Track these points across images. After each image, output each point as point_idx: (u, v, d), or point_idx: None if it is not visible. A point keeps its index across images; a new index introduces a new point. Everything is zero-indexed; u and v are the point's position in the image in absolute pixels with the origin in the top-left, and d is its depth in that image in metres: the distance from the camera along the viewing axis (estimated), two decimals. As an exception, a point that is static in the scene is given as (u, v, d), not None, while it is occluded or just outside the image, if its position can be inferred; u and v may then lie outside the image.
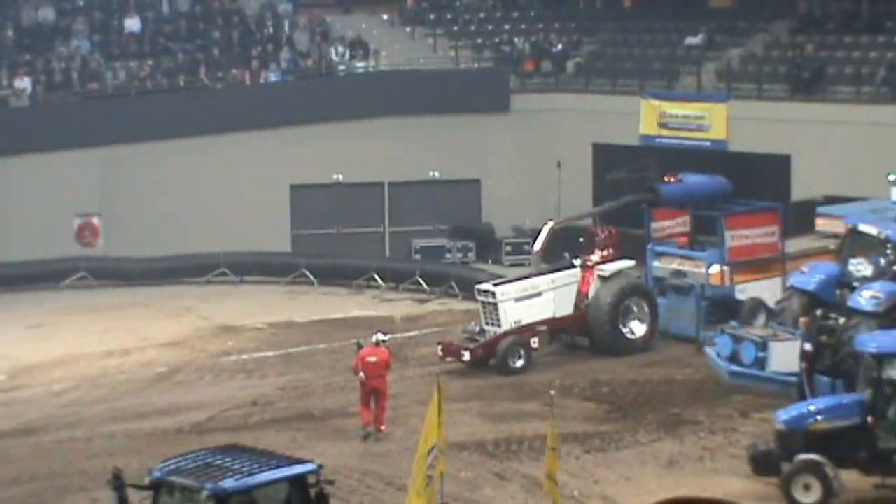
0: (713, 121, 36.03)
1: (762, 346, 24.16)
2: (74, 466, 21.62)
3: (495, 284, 28.00)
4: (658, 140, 36.78)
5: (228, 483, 14.38)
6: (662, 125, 36.89)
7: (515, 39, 41.21)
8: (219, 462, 14.90)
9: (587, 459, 21.71)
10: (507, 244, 37.37)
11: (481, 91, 39.51)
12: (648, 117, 37.17)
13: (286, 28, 41.43)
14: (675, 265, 29.32)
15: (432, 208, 39.13)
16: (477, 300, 28.16)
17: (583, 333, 28.24)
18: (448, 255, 37.94)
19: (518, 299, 27.55)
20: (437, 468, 16.48)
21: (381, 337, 22.99)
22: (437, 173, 39.13)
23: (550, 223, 29.02)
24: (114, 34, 40.47)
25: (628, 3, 42.50)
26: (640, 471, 21.35)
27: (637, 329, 28.10)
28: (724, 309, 28.46)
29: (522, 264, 34.56)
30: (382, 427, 22.40)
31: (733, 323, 26.20)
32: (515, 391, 25.78)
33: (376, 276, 35.80)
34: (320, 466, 15.06)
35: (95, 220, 37.71)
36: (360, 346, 23.12)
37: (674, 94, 37.49)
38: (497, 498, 20.16)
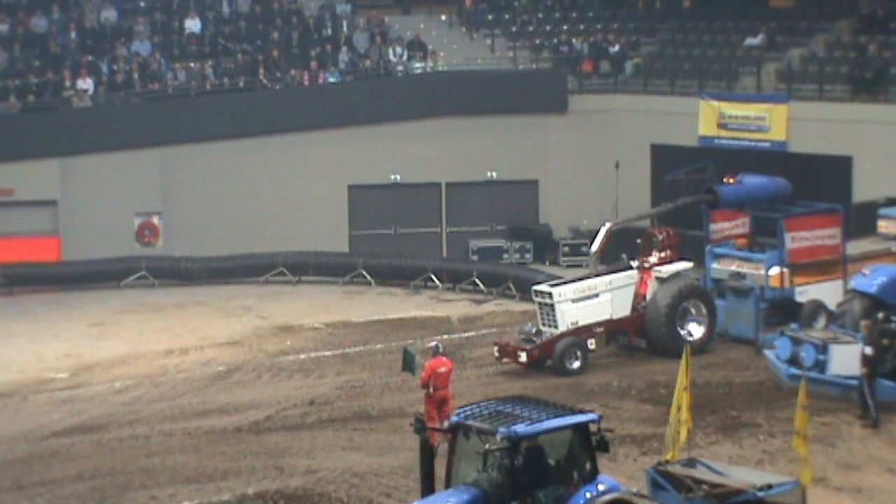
0: (773, 122, 35.78)
1: (822, 348, 23.95)
2: (135, 464, 21.80)
3: (552, 285, 27.93)
4: (717, 141, 36.57)
5: (520, 427, 15.89)
6: (721, 126, 36.68)
7: (574, 40, 41.13)
8: (509, 410, 16.44)
9: (645, 462, 21.56)
10: (565, 245, 37.30)
11: (539, 92, 39.47)
12: (707, 118, 36.96)
13: (345, 29, 41.58)
14: (733, 267, 29.14)
15: (490, 209, 39.14)
16: (534, 301, 28.12)
17: (640, 335, 28.09)
18: (505, 256, 37.93)
19: (575, 300, 27.47)
20: (684, 425, 17.75)
21: (439, 345, 22.88)
22: (494, 174, 39.13)
23: (608, 224, 28.92)
24: (174, 35, 40.81)
25: (688, 2, 42.28)
26: (699, 474, 21.17)
27: (695, 331, 27.94)
28: (783, 311, 28.25)
29: (580, 265, 34.49)
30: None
31: (793, 325, 25.99)
32: (572, 392, 25.69)
33: (433, 277, 35.85)
34: (600, 417, 16.81)
35: (155, 220, 38.05)
36: (407, 353, 22.98)
37: (733, 94, 37.26)
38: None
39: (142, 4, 41.72)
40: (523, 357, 26.83)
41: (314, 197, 38.27)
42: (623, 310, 27.91)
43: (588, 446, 16.45)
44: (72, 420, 24.69)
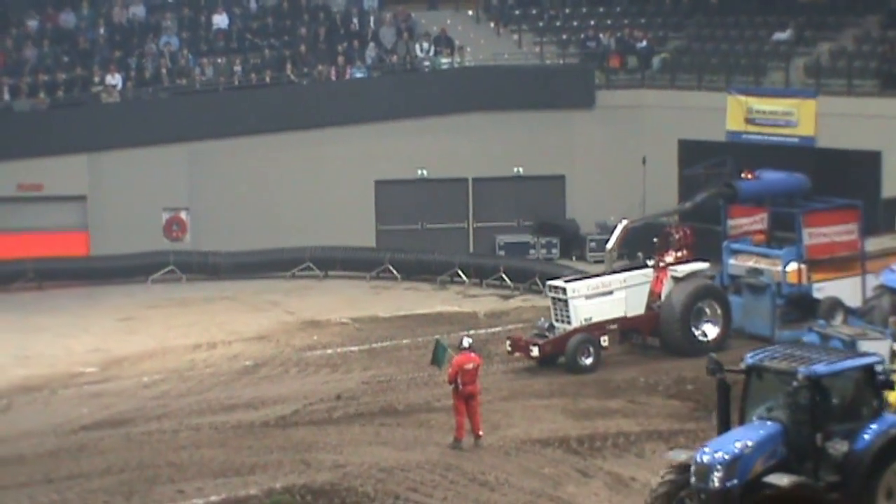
0: (801, 117, 35.61)
1: (850, 344, 23.83)
2: (162, 458, 21.89)
3: (566, 281, 27.80)
4: (745, 136, 36.43)
5: (819, 367, 17.23)
6: (749, 121, 36.53)
7: (601, 35, 41.03)
8: (799, 353, 17.84)
9: (672, 458, 21.55)
10: (592, 241, 37.23)
11: (566, 87, 39.41)
12: (735, 113, 36.82)
13: (372, 24, 41.61)
14: (751, 263, 28.92)
15: (516, 204, 39.10)
16: (548, 296, 28.02)
17: (654, 334, 27.93)
18: (532, 252, 37.90)
19: (589, 297, 27.30)
20: None
21: (470, 341, 22.88)
22: (521, 169, 39.10)
23: (625, 221, 28.77)
24: (202, 31, 40.93)
25: (715, -3, 42.17)
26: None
27: (709, 331, 27.75)
28: (800, 308, 28.04)
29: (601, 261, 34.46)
30: (481, 433, 22.32)
31: (821, 321, 25.86)
32: (599, 388, 25.68)
33: (460, 272, 35.86)
34: (882, 360, 18.24)
35: (183, 215, 38.17)
36: (439, 344, 22.93)
37: (761, 89, 37.10)
38: (580, 495, 20.09)
39: (169, 0, 41.85)
40: (535, 352, 26.71)
41: (341, 192, 38.33)
42: (638, 308, 27.73)
43: (874, 385, 17.72)
44: (100, 414, 24.81)
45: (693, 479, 17.13)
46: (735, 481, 16.89)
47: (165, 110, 38.32)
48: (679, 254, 28.12)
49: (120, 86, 38.28)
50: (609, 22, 41.92)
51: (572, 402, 24.78)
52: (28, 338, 30.93)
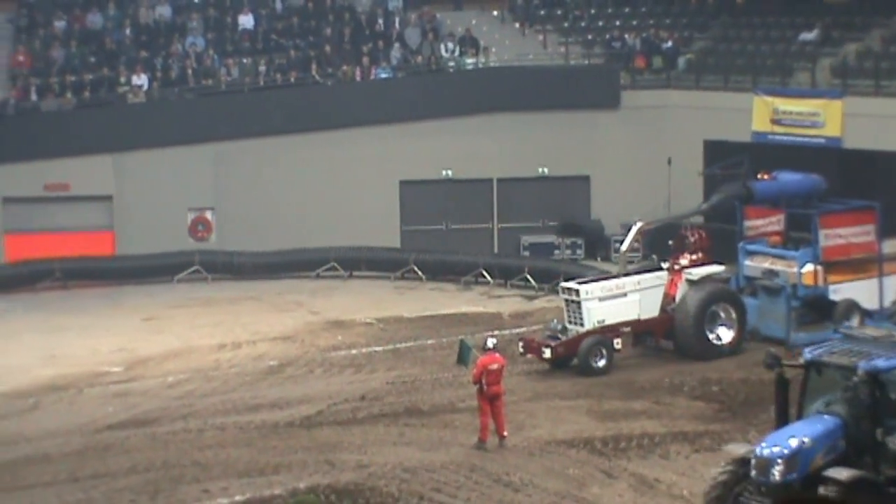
0: (828, 118, 35.44)
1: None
2: (187, 457, 21.94)
3: (579, 283, 27.65)
4: (771, 137, 36.29)
5: (880, 362, 17.21)
6: (775, 122, 36.38)
7: (626, 35, 40.98)
8: (858, 348, 17.81)
9: (697, 459, 21.51)
10: (616, 241, 37.08)
11: (591, 87, 39.35)
12: (761, 114, 36.68)
13: (397, 25, 41.65)
14: (766, 264, 28.68)
15: (541, 205, 39.06)
16: (560, 298, 27.88)
17: (668, 337, 27.71)
18: (556, 252, 37.86)
19: (602, 299, 27.10)
20: None
21: (495, 342, 22.86)
22: (546, 170, 39.07)
23: (638, 224, 28.61)
24: (227, 31, 41.05)
25: (741, -3, 42.06)
26: (751, 471, 21.04)
27: (724, 335, 27.54)
28: (816, 310, 27.83)
29: (631, 261, 34.31)
30: (506, 433, 22.30)
31: (848, 323, 25.71)
32: (624, 389, 25.63)
33: (485, 273, 35.84)
34: None
35: (208, 215, 38.28)
36: (463, 345, 22.91)
37: (787, 90, 36.94)
38: (604, 496, 20.05)
39: (195, 1, 41.99)
40: (547, 353, 26.55)
41: (366, 192, 38.36)
42: (651, 311, 27.53)
43: None
44: (125, 413, 24.89)
45: (753, 473, 17.22)
46: (795, 475, 16.99)
47: (191, 111, 38.44)
48: (694, 256, 27.90)
49: (146, 86, 38.42)
50: (634, 22, 41.85)
51: (597, 403, 24.73)
52: (54, 337, 31.07)
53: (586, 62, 40.53)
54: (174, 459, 21.82)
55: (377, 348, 29.46)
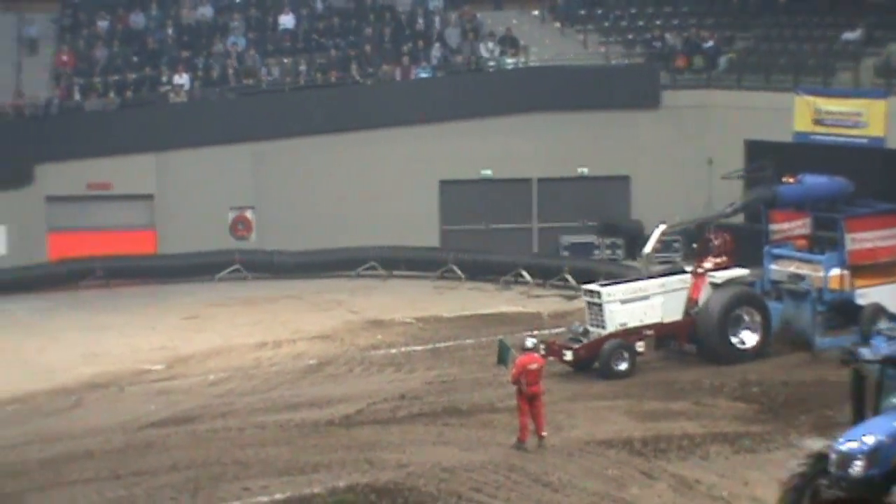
0: (871, 118, 35.17)
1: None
2: (228, 455, 22.03)
3: (602, 285, 27.43)
4: (813, 137, 36.06)
5: None
6: (817, 122, 36.14)
7: (667, 35, 40.85)
8: None
9: (737, 460, 21.43)
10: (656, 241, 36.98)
11: (631, 87, 39.26)
12: (803, 114, 36.46)
13: (437, 24, 41.69)
14: (792, 268, 28.30)
15: (581, 205, 39.00)
16: (583, 300, 27.62)
17: (691, 340, 27.43)
18: (596, 252, 37.79)
19: (624, 301, 26.83)
20: None
21: (534, 342, 22.83)
22: (586, 170, 39.00)
23: (662, 226, 28.39)
24: (269, 31, 41.21)
25: (783, -3, 41.81)
26: (792, 473, 20.95)
27: (748, 339, 27.20)
28: (843, 314, 27.54)
29: (671, 262, 34.26)
30: (545, 433, 22.28)
31: (891, 323, 25.48)
32: (664, 389, 25.55)
33: (524, 273, 35.81)
34: None
35: (249, 214, 38.45)
36: (502, 345, 22.84)
37: (830, 90, 36.69)
38: (644, 497, 19.99)
39: (237, 1, 42.18)
40: (569, 356, 26.32)
41: (405, 192, 38.43)
42: (675, 314, 27.23)
43: None
44: (167, 411, 25.03)
45: (832, 468, 17.26)
46: (877, 470, 17.05)
47: (232, 110, 38.61)
48: (718, 260, 27.59)
49: (187, 86, 38.64)
50: (675, 22, 41.71)
51: (636, 403, 24.67)
52: (96, 336, 31.30)
53: (626, 62, 40.43)
54: (215, 457, 21.92)
55: (416, 348, 29.50)
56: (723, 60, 39.70)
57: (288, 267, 37.18)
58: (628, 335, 26.65)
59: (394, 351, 29.27)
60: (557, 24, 42.67)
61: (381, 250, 37.13)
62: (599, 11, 42.72)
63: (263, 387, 26.70)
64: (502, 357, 23.21)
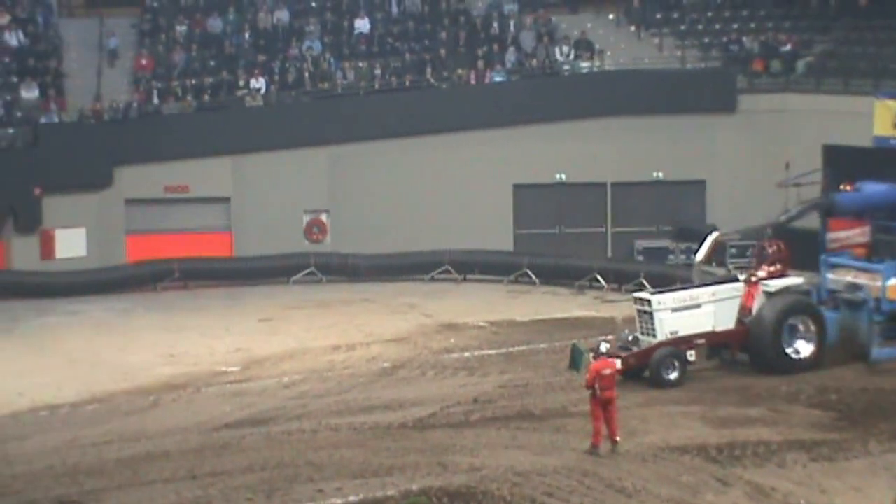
0: (951, 122, 34.62)
1: None
2: (302, 457, 22.14)
3: (653, 293, 27.01)
4: (892, 142, 35.52)
5: None
6: (898, 126, 35.63)
7: (744, 38, 40.55)
8: None
9: (814, 468, 21.18)
10: (732, 247, 36.72)
11: (708, 91, 39.03)
12: (883, 119, 35.86)
13: (512, 28, 41.69)
14: (849, 277, 27.65)
15: (655, 209, 38.82)
16: (634, 308, 27.15)
17: (744, 350, 26.86)
18: (671, 257, 37.56)
19: (675, 309, 26.32)
20: None
21: (608, 346, 22.73)
22: (661, 174, 38.82)
23: (715, 233, 27.94)
24: (344, 35, 41.43)
25: (864, 0, 41.28)
26: (871, 482, 20.66)
27: (803, 349, 26.59)
28: None
29: (747, 267, 33.90)
30: (618, 438, 22.18)
31: None
32: (739, 395, 25.32)
33: (599, 277, 35.69)
34: None
35: (323, 217, 38.67)
36: (576, 348, 22.70)
37: (911, 94, 36.20)
38: (718, 504, 19.88)
39: (313, 5, 42.47)
40: (618, 364, 25.28)
41: (479, 195, 38.46)
42: (727, 322, 26.69)
43: None
44: (242, 413, 25.21)
45: None
46: None
47: (307, 114, 38.88)
48: (772, 268, 27.14)
49: (264, 89, 38.96)
50: (753, 25, 41.41)
51: (711, 409, 24.48)
52: (174, 337, 31.65)
53: (703, 66, 40.18)
54: (289, 459, 22.04)
55: (489, 351, 29.49)
56: (801, 64, 39.35)
57: (363, 270, 37.34)
58: (679, 344, 26.19)
59: (467, 355, 29.27)
60: (633, 28, 42.50)
61: (455, 254, 37.19)
62: (676, 15, 42.49)
63: (337, 389, 26.82)
64: (575, 362, 23.12)
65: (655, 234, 38.55)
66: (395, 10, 42.46)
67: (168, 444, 23.22)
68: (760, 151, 38.02)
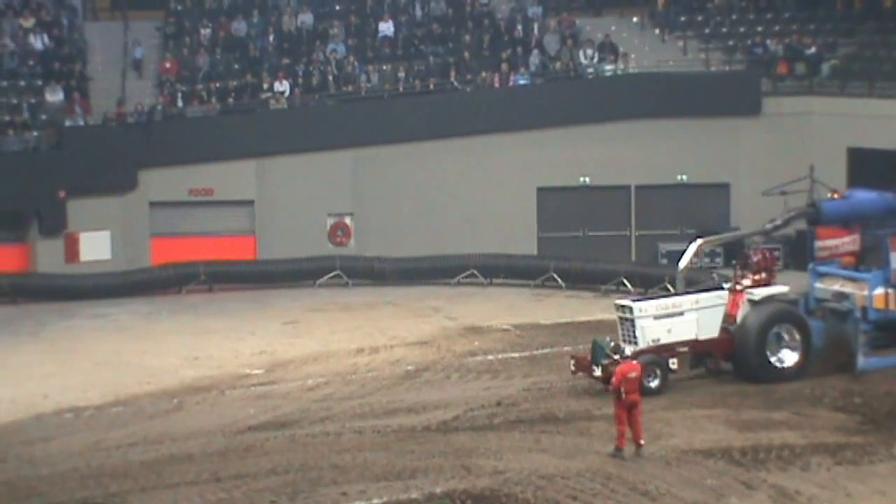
0: (978, 125, 34.51)
1: None
2: (326, 460, 22.18)
3: (634, 300, 26.73)
4: (918, 144, 35.46)
5: None
6: (923, 129, 35.52)
7: (768, 41, 40.44)
8: None
9: (838, 471, 21.11)
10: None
11: (732, 94, 38.94)
12: (907, 121, 35.86)
13: (536, 31, 41.68)
14: (836, 286, 27.28)
15: (679, 212, 38.75)
16: (615, 315, 26.88)
17: (728, 359, 26.57)
18: (695, 261, 37.41)
19: (657, 317, 25.99)
20: None
21: (632, 349, 22.67)
22: (685, 177, 38.75)
23: (699, 241, 27.70)
24: (368, 38, 41.50)
25: (889, 2, 41.11)
26: (896, 486, 20.66)
27: (787, 358, 26.21)
28: (888, 334, 26.73)
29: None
30: (642, 441, 22.15)
31: None
32: (763, 399, 25.25)
33: (625, 281, 35.60)
34: None
35: (347, 220, 38.74)
36: (596, 344, 22.59)
37: (936, 97, 36.11)
38: (743, 507, 19.83)
39: (337, 8, 42.55)
40: (597, 371, 25.49)
41: (503, 199, 38.46)
42: (710, 331, 26.33)
43: None
44: (266, 415, 25.27)
45: None
46: None
47: (331, 117, 38.96)
48: (758, 276, 26.78)
49: (288, 92, 39.05)
50: (777, 28, 41.30)
51: (735, 412, 24.42)
52: (198, 339, 31.76)
53: (727, 69, 40.10)
54: (313, 462, 22.09)
55: (513, 354, 29.49)
56: (825, 67, 39.22)
57: (388, 274, 37.38)
58: (661, 352, 25.84)
59: (491, 358, 29.28)
60: (657, 31, 42.44)
61: (481, 258, 37.18)
62: (700, 17, 42.42)
63: (361, 392, 26.86)
64: (596, 358, 23.11)
65: (679, 237, 38.46)
66: (419, 13, 42.51)
67: (192, 447, 23.29)
68: (784, 154, 37.89)
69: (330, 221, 38.68)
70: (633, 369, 22.17)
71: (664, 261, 37.44)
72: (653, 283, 35.25)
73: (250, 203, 38.38)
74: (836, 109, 37.76)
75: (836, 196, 28.04)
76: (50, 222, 37.20)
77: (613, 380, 22.17)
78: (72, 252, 37.34)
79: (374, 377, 28.05)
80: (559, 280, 36.33)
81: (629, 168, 38.56)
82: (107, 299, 36.06)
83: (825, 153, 37.18)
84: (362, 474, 21.44)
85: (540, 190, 38.83)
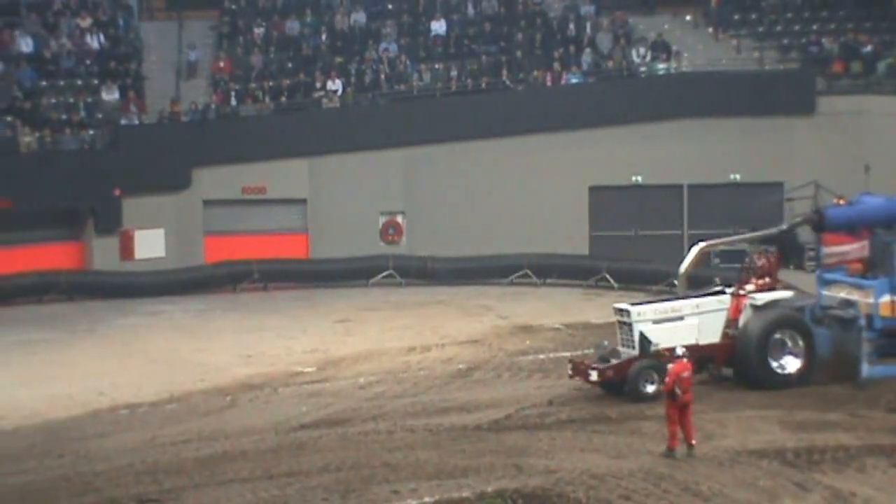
0: None
1: None
2: (378, 458, 22.23)
3: (633, 304, 26.36)
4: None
5: None
6: (980, 128, 35.15)
7: (823, 40, 40.14)
8: None
9: (895, 474, 20.95)
10: (811, 249, 36.31)
11: (786, 93, 38.69)
12: (964, 120, 35.50)
13: (588, 30, 41.60)
14: (843, 294, 26.75)
15: (732, 211, 38.51)
16: (615, 319, 26.56)
17: (729, 364, 26.15)
18: (748, 261, 37.19)
19: (656, 321, 25.68)
20: None
21: (684, 349, 22.59)
22: (738, 176, 38.55)
23: (700, 245, 27.44)
24: (420, 37, 41.57)
25: (946, 0, 40.81)
26: (951, 488, 20.45)
27: (790, 364, 25.76)
28: (894, 343, 26.25)
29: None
30: (694, 441, 22.04)
31: None
32: (817, 400, 25.07)
33: (675, 281, 35.42)
34: None
35: (399, 219, 38.81)
36: (643, 337, 22.48)
37: None
38: (796, 509, 19.71)
39: (389, 7, 42.65)
40: (594, 376, 25.26)
41: (555, 198, 38.42)
42: (711, 336, 25.97)
43: None
44: (318, 413, 25.36)
45: None
46: None
47: (384, 116, 39.05)
48: (761, 281, 26.51)
49: (340, 91, 39.19)
50: (832, 26, 40.99)
51: (788, 413, 24.26)
52: (251, 337, 31.95)
53: (781, 67, 39.84)
54: (365, 460, 22.14)
55: (565, 353, 29.42)
56: (881, 66, 38.88)
57: (441, 273, 37.44)
58: (659, 356, 25.39)
59: (542, 356, 29.26)
60: (710, 30, 42.24)
61: (534, 258, 37.15)
62: (754, 16, 42.17)
63: (413, 391, 26.91)
64: (645, 348, 23.14)
65: (732, 236, 38.18)
66: (471, 11, 42.53)
67: (245, 444, 23.42)
68: (839, 153, 37.63)
69: (382, 220, 38.78)
70: (685, 368, 22.06)
71: (716, 260, 37.22)
72: (703, 283, 34.99)
73: (303, 202, 38.56)
74: (892, 108, 37.45)
75: (841, 202, 27.67)
76: (105, 220, 37.54)
77: (667, 379, 22.09)
78: (127, 250, 37.67)
79: (425, 376, 28.10)
80: (611, 280, 36.21)
81: (682, 167, 38.40)
82: (161, 297, 36.34)
83: (881, 152, 36.89)
84: (414, 473, 21.47)
85: (592, 189, 38.76)
